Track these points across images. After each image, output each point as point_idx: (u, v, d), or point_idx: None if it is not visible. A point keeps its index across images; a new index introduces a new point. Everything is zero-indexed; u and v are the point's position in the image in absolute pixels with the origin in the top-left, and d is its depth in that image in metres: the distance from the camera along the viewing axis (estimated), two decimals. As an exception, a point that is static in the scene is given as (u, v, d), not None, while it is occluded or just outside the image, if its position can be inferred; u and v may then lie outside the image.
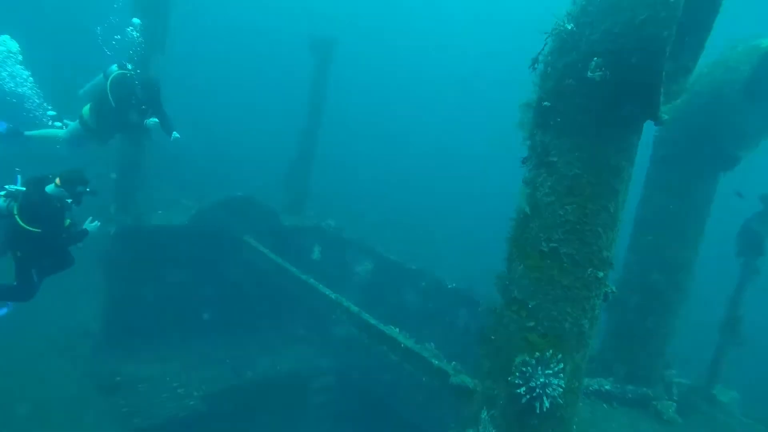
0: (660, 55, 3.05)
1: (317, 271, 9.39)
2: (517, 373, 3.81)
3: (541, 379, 3.72)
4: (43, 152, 7.45)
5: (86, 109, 6.99)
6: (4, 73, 7.01)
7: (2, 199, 5.36)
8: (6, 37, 7.00)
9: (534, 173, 3.94)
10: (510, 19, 32.68)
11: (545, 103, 3.79)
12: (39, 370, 7.54)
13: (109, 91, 6.77)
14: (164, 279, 9.27)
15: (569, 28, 3.51)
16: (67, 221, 5.62)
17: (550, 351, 3.80)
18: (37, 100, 7.21)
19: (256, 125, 22.56)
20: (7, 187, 5.46)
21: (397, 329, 6.99)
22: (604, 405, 6.13)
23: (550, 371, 3.74)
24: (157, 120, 7.04)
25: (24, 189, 5.44)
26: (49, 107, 7.33)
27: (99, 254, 8.64)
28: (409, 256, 10.88)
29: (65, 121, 7.38)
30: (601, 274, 3.82)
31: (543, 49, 3.72)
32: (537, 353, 3.81)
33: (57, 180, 5.39)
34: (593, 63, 3.30)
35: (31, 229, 5.26)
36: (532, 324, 3.89)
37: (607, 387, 6.22)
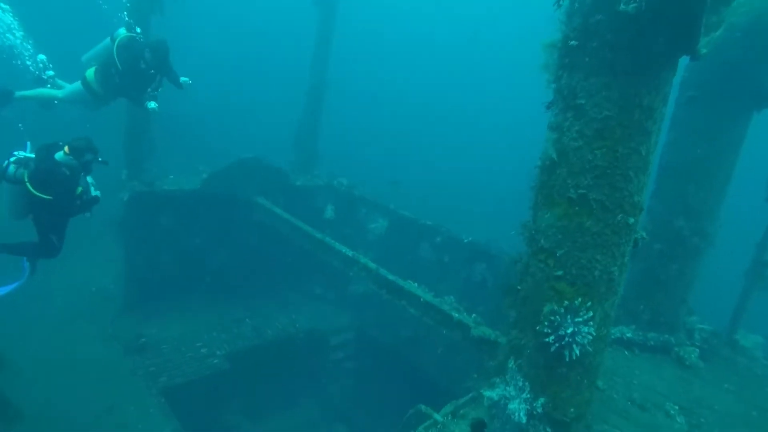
0: (703, -20, 2.84)
1: (330, 230, 9.37)
2: (546, 322, 3.78)
3: (571, 328, 3.68)
4: (57, 118, 7.28)
5: (90, 72, 6.77)
6: None
7: (12, 165, 5.32)
8: None
9: (560, 117, 3.78)
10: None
11: (572, 42, 3.59)
12: (66, 334, 7.69)
13: (116, 55, 6.57)
14: (179, 243, 9.31)
15: (600, -44, 3.28)
16: (79, 189, 5.58)
17: (579, 299, 3.75)
18: (27, 53, 6.88)
19: (263, 87, 22.11)
20: (16, 153, 5.41)
21: (416, 284, 6.99)
22: (626, 352, 6.15)
23: (580, 319, 3.70)
24: (156, 105, 6.84)
25: (33, 156, 5.41)
26: (50, 66, 7.07)
27: (113, 220, 8.66)
28: (423, 212, 10.78)
29: (55, 78, 7.07)
30: (632, 219, 3.71)
31: (569, -16, 3.51)
32: (566, 302, 3.76)
33: (66, 148, 5.36)
34: (627, -6, 3.09)
35: (42, 196, 5.25)
36: (560, 273, 3.82)
37: (628, 335, 6.22)
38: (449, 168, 24.45)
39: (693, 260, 6.08)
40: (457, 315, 6.24)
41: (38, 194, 5.23)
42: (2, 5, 6.86)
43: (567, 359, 3.69)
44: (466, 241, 9.78)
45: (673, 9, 3.02)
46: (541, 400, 3.88)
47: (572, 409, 3.93)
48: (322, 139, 11.77)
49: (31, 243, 5.66)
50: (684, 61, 3.52)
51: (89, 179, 5.74)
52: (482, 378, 5.20)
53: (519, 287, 4.17)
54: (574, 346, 3.67)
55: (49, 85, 7.08)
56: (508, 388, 4.00)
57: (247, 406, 8.36)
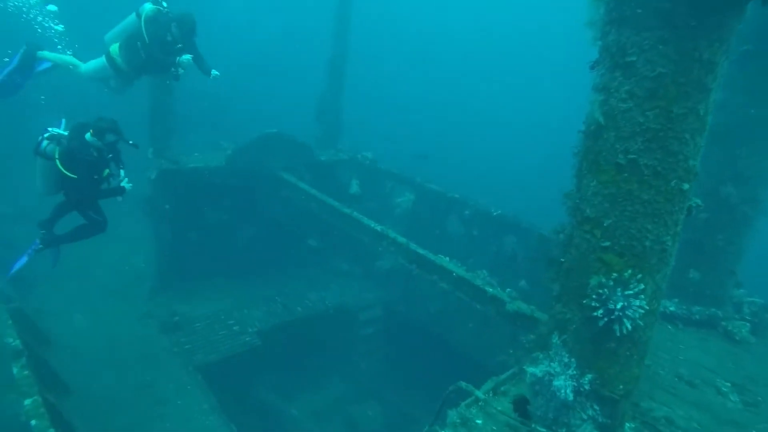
0: None
1: (356, 205, 9.24)
2: (593, 296, 3.59)
3: (621, 302, 3.48)
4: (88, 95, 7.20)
5: (115, 47, 6.68)
6: None
7: (45, 141, 5.40)
8: None
9: (607, 78, 3.51)
10: None
11: (622, -8, 3.30)
12: (104, 313, 7.83)
13: (144, 28, 6.47)
14: (207, 220, 9.32)
15: None
16: (105, 171, 5.58)
17: (629, 271, 3.54)
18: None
19: (285, 63, 21.80)
20: (50, 129, 5.48)
21: (447, 258, 6.84)
22: (669, 326, 5.92)
23: (630, 292, 3.50)
24: (191, 57, 6.71)
25: (66, 134, 5.46)
26: (57, 21, 6.95)
27: (142, 199, 8.68)
28: (450, 185, 10.56)
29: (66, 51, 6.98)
30: (686, 186, 3.46)
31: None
32: (614, 274, 3.56)
33: (91, 129, 5.35)
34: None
35: (68, 174, 5.31)
36: (607, 243, 3.60)
37: (671, 308, 5.98)
38: (472, 141, 23.97)
39: (742, 229, 5.76)
40: (491, 290, 6.10)
41: (65, 172, 5.31)
42: None
43: (618, 334, 3.51)
44: (495, 214, 9.55)
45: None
46: (589, 376, 3.72)
47: (621, 386, 3.76)
48: (345, 112, 11.55)
49: (80, 226, 5.78)
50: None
51: (122, 172, 5.76)
52: (519, 353, 5.08)
53: (562, 259, 3.98)
54: (625, 320, 3.48)
55: (70, 52, 6.99)
56: (552, 364, 3.84)
57: (278, 382, 8.42)
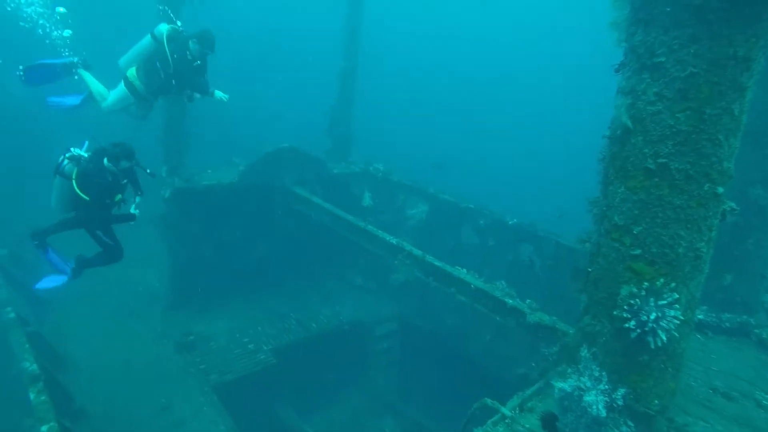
0: None
1: (369, 218, 9.14)
2: (624, 306, 3.43)
3: (654, 313, 3.32)
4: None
5: (132, 71, 6.66)
6: None
7: (66, 160, 5.46)
8: None
9: (634, 80, 3.39)
10: None
11: (649, -9, 3.19)
12: (117, 332, 7.78)
13: (167, 47, 6.47)
14: (221, 237, 9.26)
15: None
16: (118, 196, 5.61)
17: (661, 280, 3.38)
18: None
19: (293, 74, 21.87)
20: (72, 149, 5.53)
21: (464, 270, 6.69)
22: (698, 335, 5.69)
23: (664, 302, 3.34)
24: (225, 96, 6.86)
25: (86, 155, 5.51)
26: (66, 28, 6.93)
27: (155, 218, 8.66)
28: (465, 195, 10.41)
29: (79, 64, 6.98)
30: (720, 189, 3.32)
31: None
32: (645, 283, 3.41)
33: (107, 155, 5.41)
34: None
35: (81, 195, 5.35)
36: (637, 252, 3.46)
37: (700, 316, 5.75)
38: (486, 152, 23.78)
39: (772, 233, 5.56)
40: (510, 301, 5.93)
41: (79, 192, 5.35)
42: None
43: (652, 346, 3.34)
44: (510, 223, 9.39)
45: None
46: (621, 390, 3.55)
47: (656, 401, 3.59)
48: (356, 125, 11.50)
49: (98, 253, 5.80)
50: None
51: (138, 199, 5.80)
52: (543, 366, 4.90)
53: (589, 269, 3.83)
54: (660, 331, 3.31)
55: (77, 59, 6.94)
56: (582, 378, 3.68)
57: (295, 399, 8.28)
